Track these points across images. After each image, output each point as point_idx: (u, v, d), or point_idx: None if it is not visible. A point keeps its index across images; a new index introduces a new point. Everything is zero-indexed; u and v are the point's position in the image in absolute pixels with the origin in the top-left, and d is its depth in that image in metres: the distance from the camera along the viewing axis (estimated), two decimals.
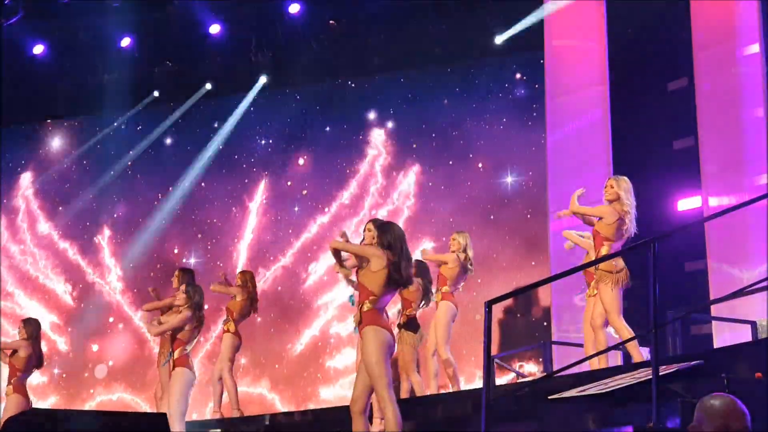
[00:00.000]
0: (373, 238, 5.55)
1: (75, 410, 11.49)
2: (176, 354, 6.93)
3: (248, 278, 9.02)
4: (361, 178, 12.95)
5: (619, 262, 6.80)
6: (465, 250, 8.02)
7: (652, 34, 10.19)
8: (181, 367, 6.93)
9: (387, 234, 5.52)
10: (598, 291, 6.86)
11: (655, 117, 10.15)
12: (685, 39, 9.58)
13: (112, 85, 13.53)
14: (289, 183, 13.31)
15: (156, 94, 13.78)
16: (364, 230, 5.80)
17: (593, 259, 6.88)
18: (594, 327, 6.96)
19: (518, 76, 12.21)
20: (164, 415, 6.64)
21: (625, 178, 7.08)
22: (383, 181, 12.83)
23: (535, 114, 11.75)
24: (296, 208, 13.18)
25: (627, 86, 10.24)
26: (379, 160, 12.91)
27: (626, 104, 10.20)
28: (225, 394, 8.75)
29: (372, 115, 13.07)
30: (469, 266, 8.06)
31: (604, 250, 6.78)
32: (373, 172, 12.90)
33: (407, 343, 7.84)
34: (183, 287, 7.26)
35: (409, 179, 12.67)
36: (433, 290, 7.97)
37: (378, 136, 12.97)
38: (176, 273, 8.48)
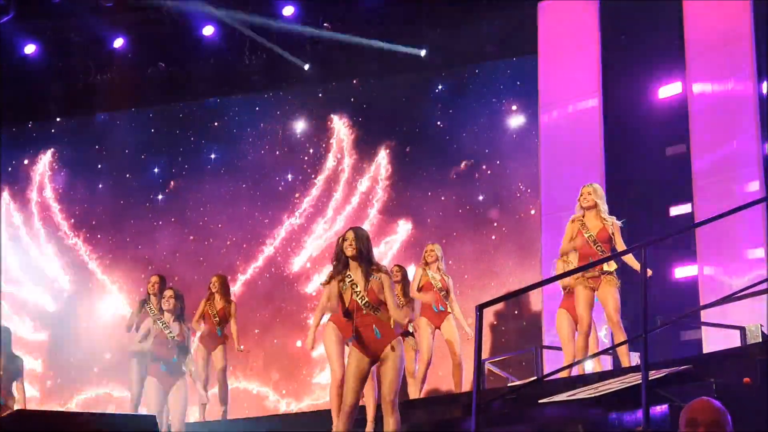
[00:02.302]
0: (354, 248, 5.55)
1: (64, 411, 11.43)
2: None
3: (224, 281, 9.03)
4: (351, 182, 12.97)
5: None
6: (441, 261, 8.07)
7: (645, 41, 10.23)
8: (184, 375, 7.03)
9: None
10: (602, 292, 6.92)
11: (647, 124, 10.18)
12: (678, 45, 9.62)
13: (104, 86, 13.53)
14: (280, 188, 13.34)
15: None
16: (344, 239, 5.86)
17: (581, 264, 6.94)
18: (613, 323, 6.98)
19: (512, 81, 12.24)
20: (153, 417, 6.63)
21: (599, 185, 7.35)
22: (372, 186, 12.84)
23: (528, 119, 11.79)
24: (291, 214, 13.20)
25: (619, 91, 10.27)
26: (369, 164, 12.94)
27: (619, 110, 10.24)
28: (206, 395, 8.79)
29: (362, 118, 13.09)
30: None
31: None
32: (363, 175, 12.93)
33: (411, 347, 7.89)
34: (172, 292, 7.20)
35: (400, 184, 12.69)
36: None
37: (369, 138, 12.99)
38: (155, 279, 8.40)
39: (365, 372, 5.50)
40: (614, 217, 7.15)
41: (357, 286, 5.48)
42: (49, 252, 14.00)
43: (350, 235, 5.60)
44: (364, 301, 5.45)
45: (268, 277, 13.05)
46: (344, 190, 12.97)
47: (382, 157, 12.85)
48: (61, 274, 13.87)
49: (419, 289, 8.01)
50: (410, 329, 7.78)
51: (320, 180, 13.12)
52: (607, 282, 6.94)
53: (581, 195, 7.23)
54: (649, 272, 6.55)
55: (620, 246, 6.97)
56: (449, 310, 8.06)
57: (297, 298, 12.85)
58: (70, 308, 13.74)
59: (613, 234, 7.02)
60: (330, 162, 13.13)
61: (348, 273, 5.54)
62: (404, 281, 7.99)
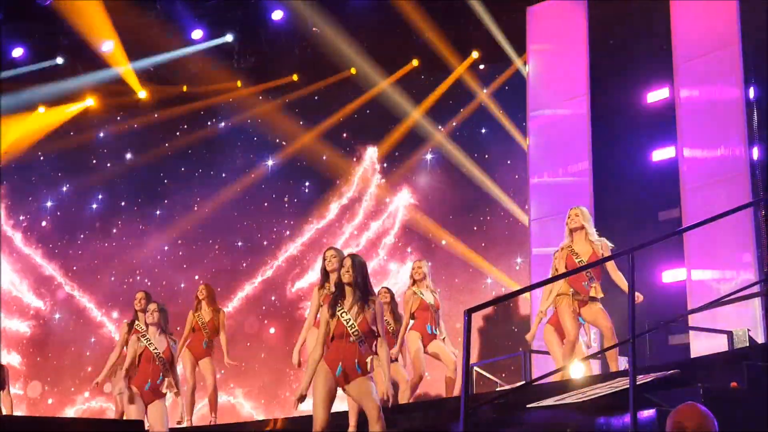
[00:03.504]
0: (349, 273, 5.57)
1: (50, 417, 11.37)
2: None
3: (212, 292, 9.00)
4: (343, 186, 12.96)
5: None
6: (428, 278, 8.03)
7: (633, 45, 10.27)
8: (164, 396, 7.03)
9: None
10: (590, 315, 6.96)
11: (635, 127, 10.22)
12: (666, 50, 9.66)
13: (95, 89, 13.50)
14: (274, 195, 13.32)
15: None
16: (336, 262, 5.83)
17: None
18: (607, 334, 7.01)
19: (501, 85, 12.27)
20: (141, 422, 6.61)
21: (585, 208, 7.32)
22: (364, 190, 12.84)
23: (517, 123, 11.82)
24: (279, 218, 13.18)
25: (607, 96, 10.31)
26: (360, 168, 12.93)
27: (607, 114, 10.27)
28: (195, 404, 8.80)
29: (348, 122, 13.09)
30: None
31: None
32: (354, 180, 12.92)
33: (399, 373, 7.83)
34: (156, 306, 7.19)
35: (392, 185, 12.69)
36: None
37: (357, 144, 12.99)
38: (141, 296, 8.32)
39: (333, 393, 5.49)
40: (604, 239, 7.10)
41: (347, 314, 5.48)
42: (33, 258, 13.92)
43: (348, 262, 5.60)
44: (353, 330, 5.46)
45: (263, 287, 13.04)
46: (340, 200, 12.96)
47: (364, 158, 12.85)
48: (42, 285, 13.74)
49: (413, 314, 7.95)
50: (397, 357, 7.76)
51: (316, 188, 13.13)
52: (594, 306, 6.96)
53: (568, 217, 7.19)
54: (640, 298, 6.65)
55: (611, 268, 6.94)
56: (440, 334, 8.00)
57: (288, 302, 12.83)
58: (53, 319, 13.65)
59: (602, 256, 6.98)
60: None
61: (341, 303, 5.53)
62: (393, 303, 7.98)
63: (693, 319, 8.36)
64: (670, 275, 9.49)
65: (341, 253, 6.42)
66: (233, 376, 12.56)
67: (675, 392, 5.00)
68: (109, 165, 14.00)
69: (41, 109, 13.75)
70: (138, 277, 13.18)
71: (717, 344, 7.58)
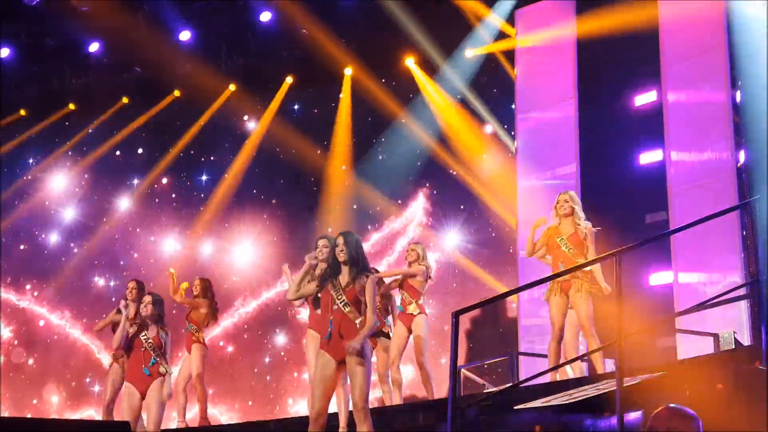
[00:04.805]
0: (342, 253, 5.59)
1: (40, 418, 11.32)
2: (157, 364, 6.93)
3: (208, 286, 8.95)
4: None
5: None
6: (425, 260, 7.98)
7: (621, 49, 10.30)
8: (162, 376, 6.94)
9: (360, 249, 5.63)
10: (574, 299, 6.94)
11: (622, 130, 10.25)
12: (654, 53, 9.70)
13: (80, 90, 13.45)
14: (263, 197, 13.31)
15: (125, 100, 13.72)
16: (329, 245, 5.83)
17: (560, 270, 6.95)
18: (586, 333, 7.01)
19: (489, 89, 12.30)
20: (127, 423, 6.59)
21: (574, 192, 7.42)
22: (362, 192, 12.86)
23: (506, 127, 11.85)
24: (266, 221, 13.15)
25: (595, 100, 10.34)
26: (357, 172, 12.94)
27: (594, 117, 10.30)
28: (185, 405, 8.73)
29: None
30: (431, 276, 8.05)
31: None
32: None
33: (384, 349, 7.76)
34: (150, 298, 7.13)
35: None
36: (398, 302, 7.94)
37: (350, 147, 12.99)
38: (133, 285, 8.25)
39: (332, 377, 5.50)
40: (589, 223, 7.17)
41: (339, 287, 5.51)
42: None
43: (340, 240, 5.62)
44: (341, 299, 5.47)
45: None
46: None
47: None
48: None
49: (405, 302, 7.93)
50: (385, 330, 7.71)
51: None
52: (578, 287, 6.96)
53: (557, 203, 7.25)
54: (607, 290, 6.70)
55: (591, 253, 6.99)
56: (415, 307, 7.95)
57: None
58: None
59: (585, 239, 7.04)
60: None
61: (333, 280, 5.56)
62: (389, 299, 7.92)
63: (680, 322, 8.38)
64: (657, 278, 9.52)
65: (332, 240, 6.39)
66: (219, 382, 12.54)
67: (661, 394, 5.01)
68: (100, 166, 13.96)
69: None
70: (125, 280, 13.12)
71: (703, 346, 7.60)
